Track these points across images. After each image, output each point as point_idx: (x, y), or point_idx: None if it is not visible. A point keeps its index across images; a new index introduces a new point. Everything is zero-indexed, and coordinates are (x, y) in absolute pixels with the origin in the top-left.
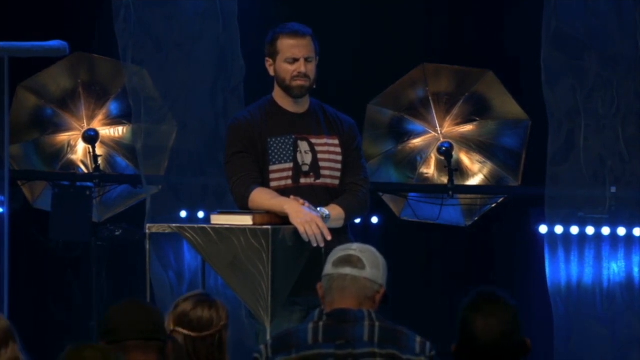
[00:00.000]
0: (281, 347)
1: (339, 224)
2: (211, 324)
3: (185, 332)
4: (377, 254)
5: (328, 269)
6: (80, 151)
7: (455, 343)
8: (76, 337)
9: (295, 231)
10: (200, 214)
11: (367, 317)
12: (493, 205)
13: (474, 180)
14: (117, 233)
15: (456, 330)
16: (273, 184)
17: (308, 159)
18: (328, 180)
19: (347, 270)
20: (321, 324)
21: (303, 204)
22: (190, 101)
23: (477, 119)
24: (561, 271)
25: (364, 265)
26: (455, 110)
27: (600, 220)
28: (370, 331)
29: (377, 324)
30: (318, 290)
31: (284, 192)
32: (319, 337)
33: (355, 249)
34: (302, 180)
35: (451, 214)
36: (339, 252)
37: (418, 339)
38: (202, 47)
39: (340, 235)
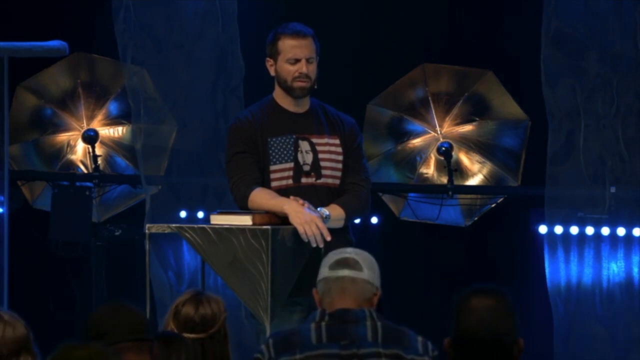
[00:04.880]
0: (284, 346)
1: (339, 224)
2: (215, 319)
3: (193, 336)
4: (372, 257)
5: (324, 272)
6: (79, 151)
7: (450, 336)
8: (76, 337)
9: (295, 231)
10: (200, 214)
11: (368, 317)
12: (493, 206)
13: (474, 181)
14: (117, 233)
15: (451, 322)
16: (274, 183)
17: (309, 158)
18: (329, 180)
19: (345, 272)
20: (323, 324)
21: (303, 205)
22: (190, 101)
23: (477, 119)
24: (561, 271)
25: (362, 267)
26: (455, 111)
27: (599, 220)
28: (373, 331)
29: (379, 323)
30: (314, 295)
31: (285, 191)
32: (323, 337)
33: (350, 251)
34: (303, 180)
35: (451, 214)
36: (334, 255)
37: (419, 338)
38: (202, 47)
39: (341, 235)
